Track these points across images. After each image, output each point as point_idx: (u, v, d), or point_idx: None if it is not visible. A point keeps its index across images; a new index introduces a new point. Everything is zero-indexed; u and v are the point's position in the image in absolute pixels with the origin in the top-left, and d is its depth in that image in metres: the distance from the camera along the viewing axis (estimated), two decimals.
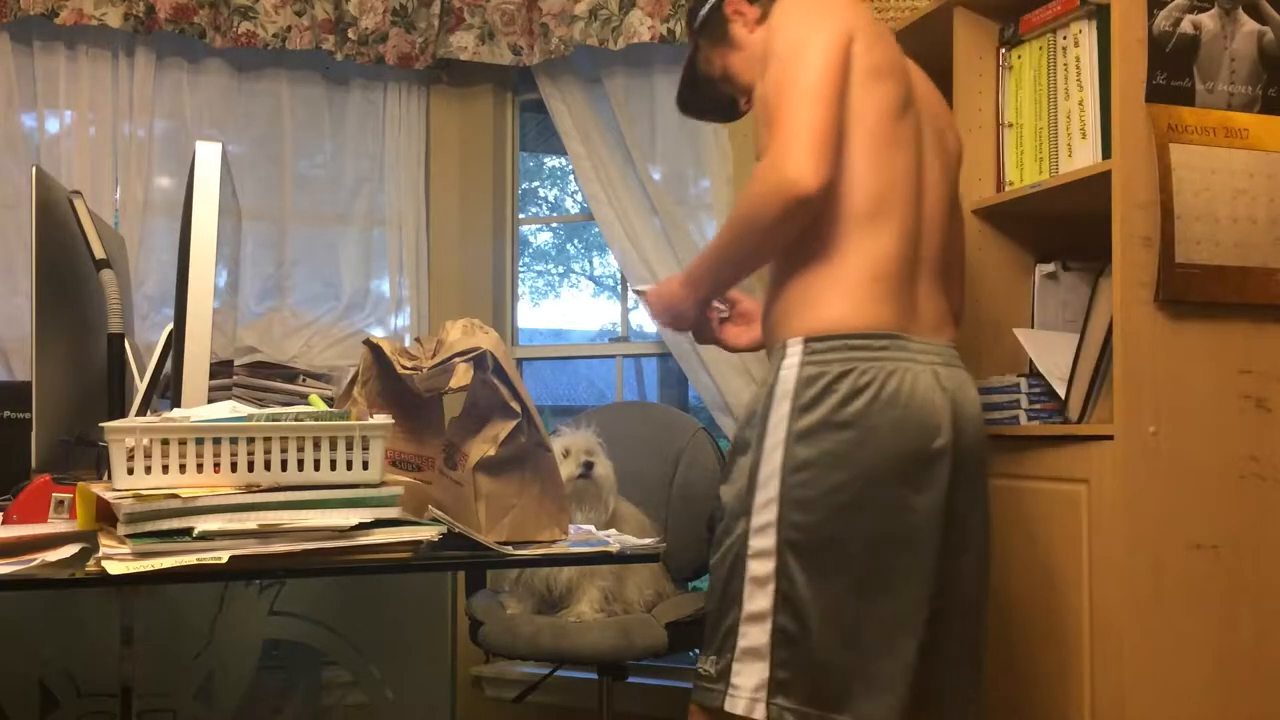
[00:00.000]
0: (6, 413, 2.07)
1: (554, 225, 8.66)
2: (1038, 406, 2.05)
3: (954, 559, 1.72)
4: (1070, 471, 1.93)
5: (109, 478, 1.32)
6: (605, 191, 3.33)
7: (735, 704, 1.64)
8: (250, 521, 1.29)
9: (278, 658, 2.09)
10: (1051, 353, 2.06)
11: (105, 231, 1.91)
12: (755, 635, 1.65)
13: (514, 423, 1.52)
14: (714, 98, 2.05)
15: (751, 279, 1.92)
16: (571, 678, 3.15)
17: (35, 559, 1.25)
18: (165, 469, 1.31)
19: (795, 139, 1.62)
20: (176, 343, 1.60)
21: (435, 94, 3.49)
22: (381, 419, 1.41)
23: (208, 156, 1.60)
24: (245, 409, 1.41)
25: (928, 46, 2.42)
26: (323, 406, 1.46)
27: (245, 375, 2.23)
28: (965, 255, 2.00)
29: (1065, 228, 2.17)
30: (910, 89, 1.80)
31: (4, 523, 1.48)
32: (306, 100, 3.39)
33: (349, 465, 1.37)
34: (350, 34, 3.22)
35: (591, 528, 1.86)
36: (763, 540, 1.65)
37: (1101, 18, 1.97)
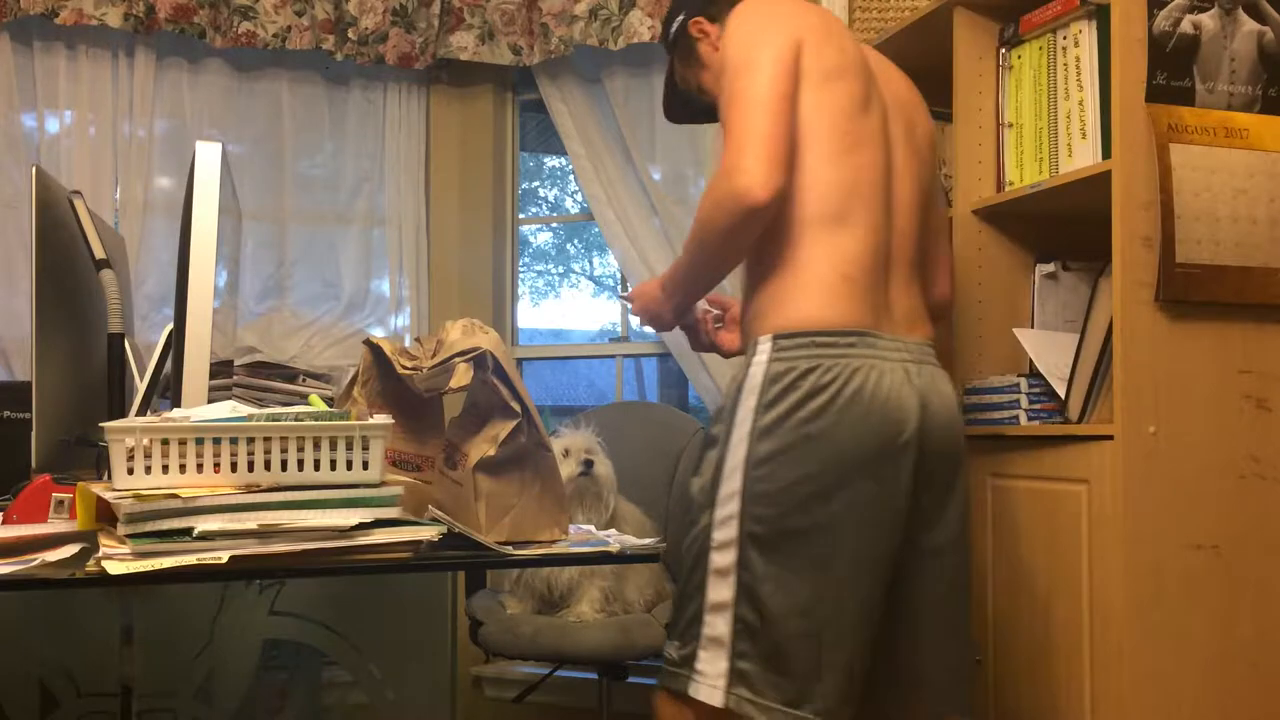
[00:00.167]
0: (6, 413, 2.07)
1: (554, 225, 8.66)
2: (1038, 406, 2.05)
3: (920, 559, 1.75)
4: (1070, 471, 1.93)
5: (109, 478, 1.32)
6: (605, 191, 3.33)
7: (698, 690, 1.68)
8: (250, 521, 1.29)
9: (278, 658, 2.09)
10: (1051, 353, 2.06)
11: (105, 231, 1.91)
12: (718, 625, 1.68)
13: (514, 423, 1.52)
14: (698, 104, 2.08)
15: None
16: (571, 678, 3.15)
17: (35, 559, 1.25)
18: (165, 469, 1.31)
19: (744, 150, 1.65)
20: (176, 343, 1.60)
21: (435, 94, 3.49)
22: (381, 419, 1.41)
23: (208, 156, 1.60)
24: (245, 409, 1.41)
25: (928, 46, 2.42)
26: (323, 406, 1.46)
27: (245, 375, 2.23)
28: (950, 240, 2.01)
29: (1065, 228, 2.17)
30: (871, 84, 1.81)
31: (4, 523, 1.48)
32: (306, 100, 3.39)
33: (349, 465, 1.37)
34: (350, 34, 3.22)
35: (591, 528, 1.86)
36: (725, 532, 1.68)
37: (1101, 18, 1.97)
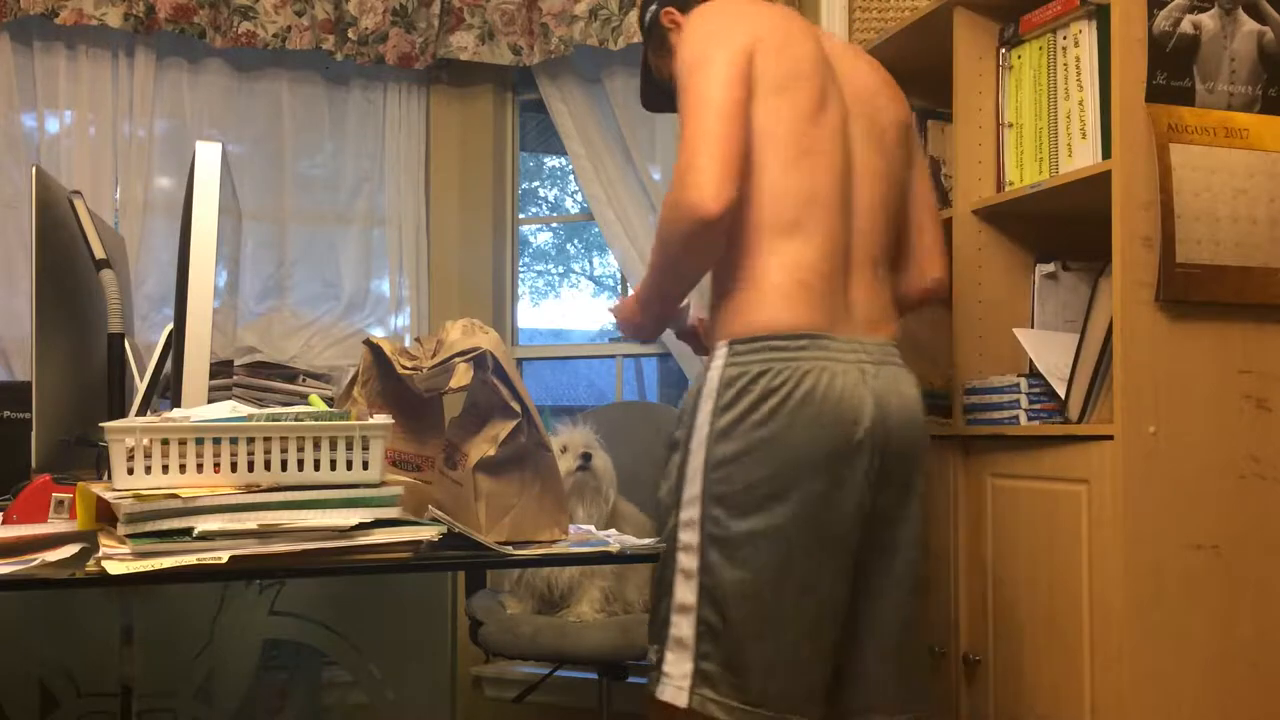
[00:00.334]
0: (6, 413, 2.07)
1: (554, 225, 8.66)
2: (1038, 406, 2.05)
3: (879, 557, 1.77)
4: (1070, 471, 1.93)
5: (109, 478, 1.32)
6: (605, 191, 3.33)
7: (664, 690, 1.71)
8: (250, 521, 1.29)
9: (278, 658, 2.09)
10: (1051, 353, 2.06)
11: (105, 231, 1.91)
12: (683, 626, 1.72)
13: (514, 423, 1.52)
14: (673, 93, 2.09)
15: None
16: (571, 678, 3.15)
17: (35, 559, 1.25)
18: (165, 469, 1.31)
19: (693, 164, 1.66)
20: (176, 343, 1.60)
21: (435, 94, 3.49)
22: (381, 419, 1.40)
23: (208, 156, 1.60)
24: (245, 409, 1.41)
25: (928, 46, 2.43)
26: (323, 406, 1.46)
27: (245, 375, 2.23)
28: (937, 221, 2.00)
29: (1065, 228, 2.17)
30: (829, 84, 1.81)
31: (4, 523, 1.48)
32: (306, 100, 3.39)
33: (349, 465, 1.37)
34: (350, 34, 3.22)
35: (591, 528, 1.86)
36: (688, 534, 1.72)
37: (1101, 18, 1.97)
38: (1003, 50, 2.24)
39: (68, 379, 1.76)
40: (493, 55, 3.32)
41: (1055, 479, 1.97)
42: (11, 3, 3.02)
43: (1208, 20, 1.91)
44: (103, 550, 1.26)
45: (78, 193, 1.84)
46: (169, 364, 1.82)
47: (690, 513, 1.72)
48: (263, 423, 1.34)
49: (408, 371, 1.58)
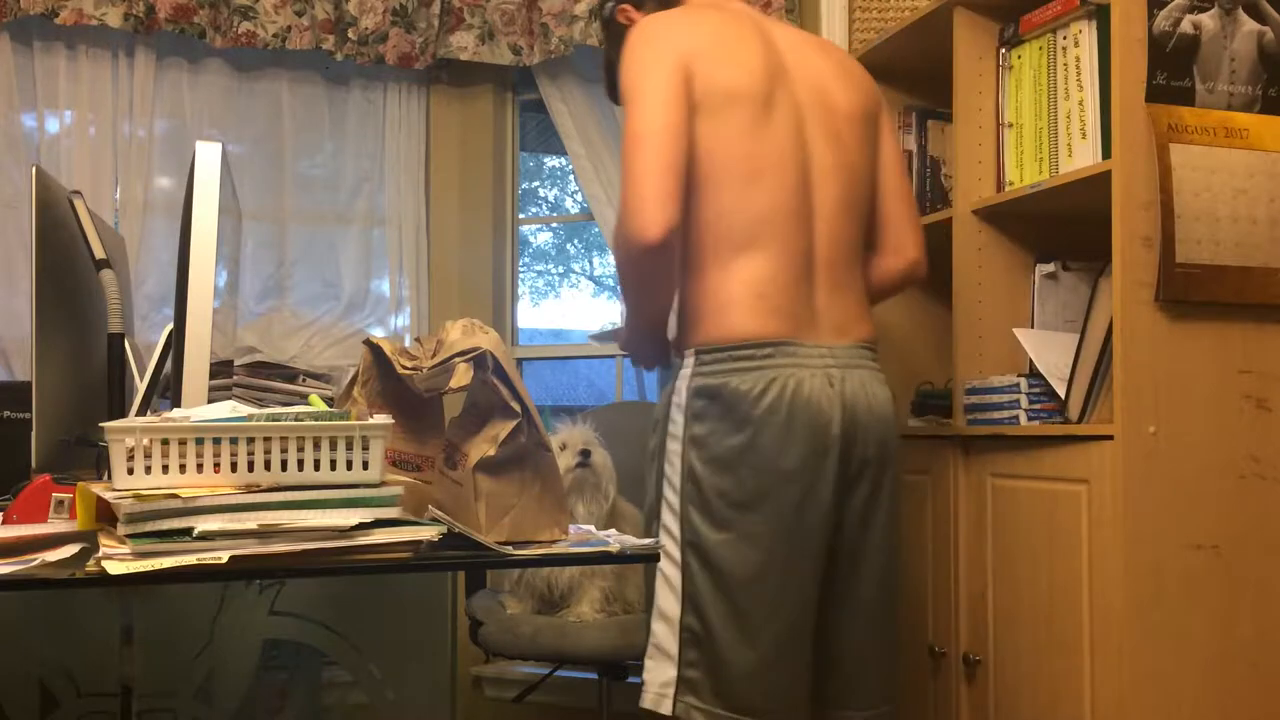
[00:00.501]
0: (6, 413, 2.07)
1: (554, 225, 8.66)
2: (1038, 406, 2.05)
3: (850, 558, 1.78)
4: (1070, 471, 1.93)
5: (109, 478, 1.32)
6: (605, 192, 3.33)
7: (644, 699, 1.74)
8: (250, 521, 1.28)
9: (278, 658, 2.09)
10: (1051, 353, 2.06)
11: (105, 231, 1.91)
12: (664, 634, 1.74)
13: (514, 423, 1.51)
14: None
15: None
16: (571, 678, 3.15)
17: (35, 559, 1.24)
18: (165, 469, 1.31)
19: (633, 194, 1.68)
20: (176, 343, 1.60)
21: (435, 94, 3.48)
22: (381, 419, 1.40)
23: (208, 156, 1.60)
24: (245, 409, 1.41)
25: (928, 46, 2.43)
26: (323, 406, 1.46)
27: (245, 375, 2.23)
28: (909, 202, 2.00)
29: (1065, 228, 2.17)
30: (778, 88, 1.80)
31: (4, 523, 1.48)
32: (306, 100, 3.39)
33: (349, 465, 1.37)
34: (350, 34, 3.22)
35: (591, 528, 1.86)
36: (669, 543, 1.74)
37: (1101, 18, 1.97)
38: (1003, 50, 2.24)
39: (68, 379, 1.76)
40: (493, 55, 3.32)
41: (1055, 479, 1.97)
42: (11, 3, 3.02)
43: (1208, 20, 1.91)
44: (103, 550, 1.26)
45: (78, 193, 1.83)
46: (169, 364, 1.81)
47: (670, 521, 1.74)
48: (263, 423, 1.34)
49: (408, 371, 1.58)
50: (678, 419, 1.76)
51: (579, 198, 4.28)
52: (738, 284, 1.74)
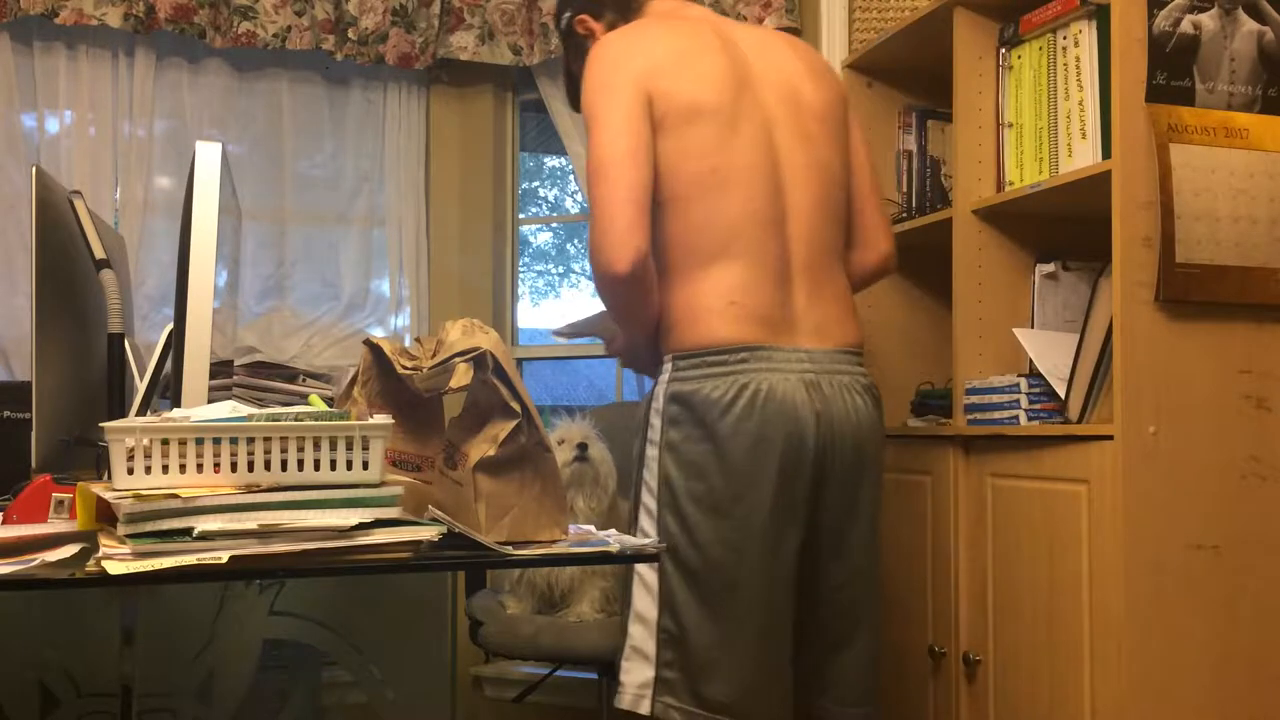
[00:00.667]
0: (6, 413, 2.07)
1: (554, 225, 8.65)
2: (1038, 406, 2.05)
3: (830, 561, 1.79)
4: (1070, 471, 1.93)
5: (109, 478, 1.32)
6: None
7: (621, 700, 1.75)
8: (250, 521, 1.28)
9: (278, 658, 2.09)
10: (1051, 353, 2.06)
11: (105, 231, 1.91)
12: (641, 636, 1.75)
13: (514, 423, 1.51)
14: None
15: None
16: (571, 678, 3.15)
17: (35, 559, 1.24)
18: (165, 469, 1.31)
19: (598, 228, 1.70)
20: (176, 343, 1.60)
21: (435, 94, 3.48)
22: (381, 419, 1.40)
23: (208, 156, 1.60)
24: (245, 409, 1.41)
25: (928, 46, 2.43)
26: (323, 406, 1.46)
27: (245, 375, 2.23)
28: (878, 197, 2.01)
29: (1065, 228, 2.17)
30: (743, 95, 1.80)
31: (4, 523, 1.48)
32: (306, 100, 3.39)
33: (349, 465, 1.37)
34: (350, 34, 3.22)
35: (591, 528, 1.86)
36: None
37: (1101, 18, 1.97)
38: (1003, 50, 2.24)
39: (68, 379, 1.76)
40: (493, 55, 3.32)
41: (1055, 479, 1.97)
42: (11, 3, 3.02)
43: (1208, 20, 1.91)
44: (103, 550, 1.26)
45: (78, 193, 1.83)
46: (169, 364, 1.81)
47: (646, 524, 1.76)
48: (263, 423, 1.34)
49: (408, 371, 1.58)
50: (655, 424, 1.78)
51: (579, 198, 4.28)
52: (711, 292, 1.75)
